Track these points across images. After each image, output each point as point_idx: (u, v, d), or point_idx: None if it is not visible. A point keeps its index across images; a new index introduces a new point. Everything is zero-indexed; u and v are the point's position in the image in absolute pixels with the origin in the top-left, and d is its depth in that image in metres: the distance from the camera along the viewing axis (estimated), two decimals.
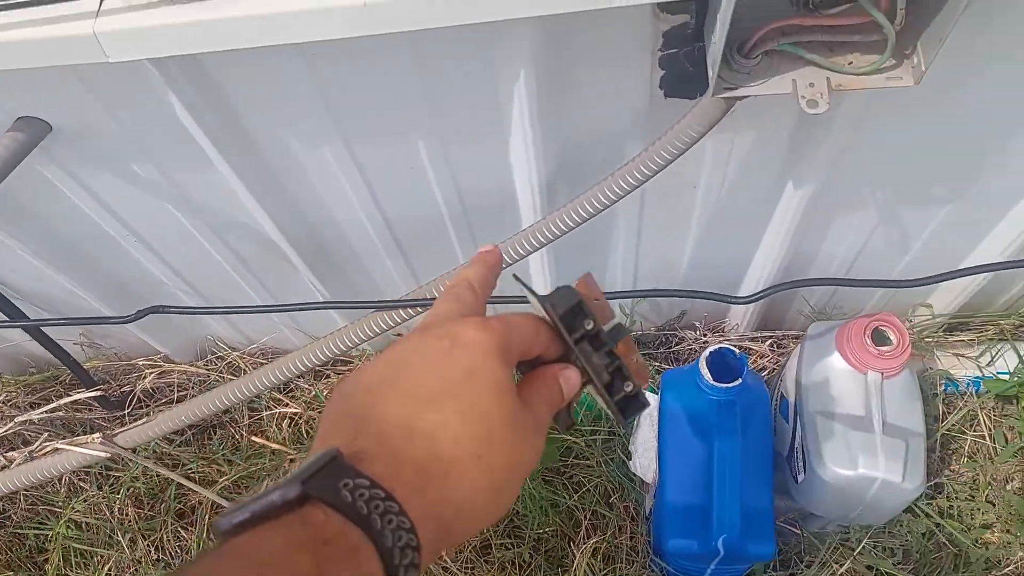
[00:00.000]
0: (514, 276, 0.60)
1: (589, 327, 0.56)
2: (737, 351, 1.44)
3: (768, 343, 1.92)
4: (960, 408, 1.79)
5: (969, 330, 1.91)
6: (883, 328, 1.45)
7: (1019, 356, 1.78)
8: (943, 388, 1.85)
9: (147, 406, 1.97)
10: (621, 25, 0.91)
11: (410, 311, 1.22)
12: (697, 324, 1.91)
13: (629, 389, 0.58)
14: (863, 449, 1.38)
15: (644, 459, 1.62)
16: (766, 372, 1.92)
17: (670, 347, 1.94)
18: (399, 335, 0.70)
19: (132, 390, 1.96)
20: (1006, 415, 1.80)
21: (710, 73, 0.90)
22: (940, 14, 0.81)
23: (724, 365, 1.45)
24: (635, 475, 1.68)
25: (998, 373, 1.82)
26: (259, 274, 1.53)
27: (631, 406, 0.59)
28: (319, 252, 1.41)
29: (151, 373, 1.95)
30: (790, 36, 0.90)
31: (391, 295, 1.43)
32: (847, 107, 1.04)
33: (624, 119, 1.11)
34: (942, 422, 1.78)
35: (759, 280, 1.57)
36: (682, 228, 1.43)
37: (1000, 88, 1.05)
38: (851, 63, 0.91)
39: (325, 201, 1.25)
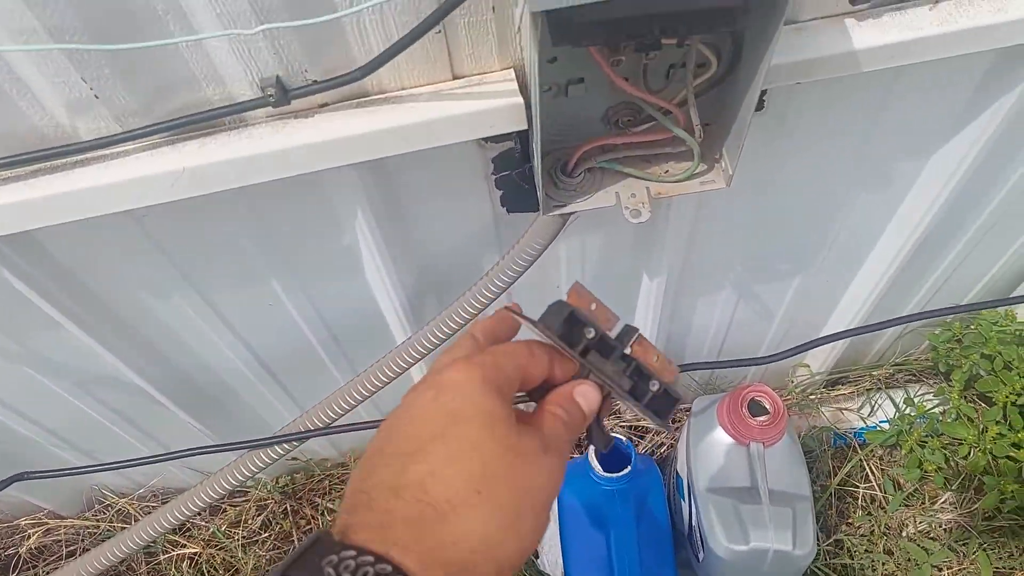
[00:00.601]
0: (504, 307, 0.58)
1: (591, 336, 0.53)
2: (624, 439, 1.47)
3: None
4: (849, 461, 1.85)
5: (848, 383, 2.00)
6: (758, 398, 1.50)
7: (894, 405, 1.87)
8: (832, 443, 1.91)
9: (35, 568, 1.86)
10: (449, 159, 0.94)
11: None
12: None
13: (656, 388, 0.55)
14: (753, 522, 1.41)
15: (551, 556, 1.62)
16: (664, 447, 1.95)
17: None
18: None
19: (17, 552, 1.86)
20: (892, 463, 1.87)
21: (539, 194, 0.94)
22: (734, 127, 0.87)
23: (613, 454, 1.48)
24: (544, 572, 1.67)
25: (880, 422, 1.90)
26: (137, 422, 1.49)
27: (663, 405, 0.55)
28: (194, 394, 1.38)
29: (35, 532, 1.85)
30: (608, 154, 0.96)
31: (275, 424, 1.41)
32: (678, 206, 1.10)
33: (474, 237, 1.14)
34: (834, 477, 1.83)
35: None
36: None
37: (806, 175, 1.13)
38: (667, 171, 0.97)
39: (190, 345, 1.24)
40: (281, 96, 0.76)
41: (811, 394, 1.97)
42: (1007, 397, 1.66)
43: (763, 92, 0.93)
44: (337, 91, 0.79)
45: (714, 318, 1.56)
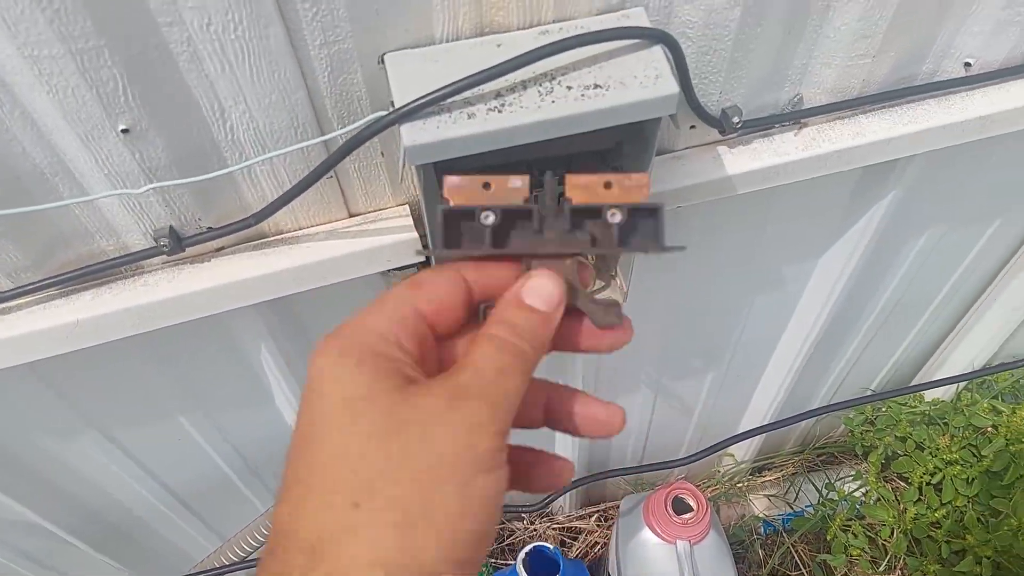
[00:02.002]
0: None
1: (492, 219, 0.38)
2: (551, 546, 1.46)
3: (595, 518, 1.96)
4: (779, 549, 1.87)
5: (773, 469, 2.03)
6: (682, 495, 1.52)
7: (817, 490, 1.91)
8: (762, 531, 1.93)
9: None
10: (355, 289, 0.96)
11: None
12: (524, 515, 1.92)
13: (619, 219, 0.39)
14: None
15: None
16: (598, 547, 1.94)
17: (501, 541, 1.93)
18: None
19: None
20: (820, 548, 1.89)
21: None
22: (619, 255, 0.91)
23: (543, 561, 1.47)
24: None
25: (806, 507, 1.93)
26: (48, 563, 1.43)
27: (647, 228, 0.40)
28: (108, 532, 1.33)
29: None
30: None
31: (197, 555, 1.37)
32: None
33: None
34: (764, 567, 1.84)
35: None
36: None
37: (703, 284, 1.18)
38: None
39: (100, 485, 1.20)
40: (175, 245, 0.77)
41: (738, 482, 2.00)
42: (922, 477, 1.71)
43: None
44: (233, 236, 0.80)
45: (634, 419, 1.59)
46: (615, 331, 0.42)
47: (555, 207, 0.40)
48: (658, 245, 0.40)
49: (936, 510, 1.68)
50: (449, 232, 0.39)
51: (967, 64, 0.90)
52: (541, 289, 0.39)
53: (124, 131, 0.65)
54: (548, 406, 0.43)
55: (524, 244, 0.40)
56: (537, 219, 0.40)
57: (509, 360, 0.37)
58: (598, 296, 0.43)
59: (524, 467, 0.42)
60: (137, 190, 0.69)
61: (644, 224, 0.41)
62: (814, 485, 1.92)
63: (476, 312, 0.41)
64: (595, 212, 0.40)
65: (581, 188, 0.40)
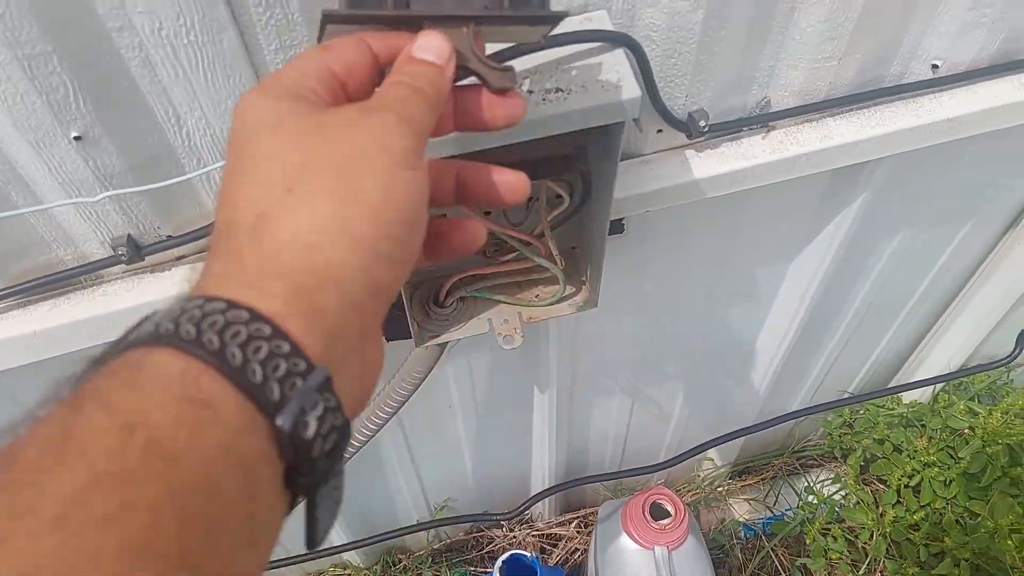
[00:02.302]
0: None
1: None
2: (530, 554, 1.46)
3: (574, 524, 1.95)
4: (759, 553, 1.86)
5: (753, 473, 2.03)
6: (660, 501, 1.51)
7: (796, 494, 1.90)
8: (742, 535, 1.93)
9: None
10: None
11: None
12: (503, 523, 1.91)
13: None
14: None
15: None
16: (578, 554, 1.93)
17: (481, 549, 1.92)
18: None
19: None
20: (800, 552, 1.89)
21: (411, 327, 0.95)
22: (592, 254, 0.90)
23: (520, 569, 1.46)
24: None
25: (785, 511, 1.93)
26: None
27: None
28: None
29: None
30: (478, 283, 0.98)
31: None
32: (556, 323, 1.13)
33: None
34: (743, 572, 1.84)
35: (544, 475, 1.61)
36: (453, 445, 1.46)
37: (676, 288, 1.18)
38: (537, 296, 0.99)
39: None
40: (134, 254, 0.76)
41: (718, 486, 2.00)
42: (900, 479, 1.71)
43: (621, 217, 0.97)
44: (194, 243, 0.79)
45: (612, 424, 1.58)
46: (509, 98, 0.45)
47: None
48: (544, 12, 0.46)
49: (915, 512, 1.68)
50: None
51: (934, 66, 0.90)
52: (431, 44, 0.43)
53: (76, 138, 0.64)
54: (460, 178, 0.46)
55: (422, 6, 0.43)
56: None
57: (409, 93, 0.40)
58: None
59: (437, 233, 0.45)
60: (92, 199, 0.68)
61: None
62: (794, 489, 1.92)
63: (382, 77, 0.43)
64: None
65: None
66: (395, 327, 1.09)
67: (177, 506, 0.26)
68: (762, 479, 2.01)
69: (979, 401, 1.77)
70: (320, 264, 0.34)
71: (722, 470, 1.96)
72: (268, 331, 0.31)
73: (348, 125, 0.37)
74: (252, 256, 0.34)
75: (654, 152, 0.89)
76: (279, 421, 0.30)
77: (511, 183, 0.46)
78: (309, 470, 0.32)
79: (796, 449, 2.00)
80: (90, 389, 0.29)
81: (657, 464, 1.41)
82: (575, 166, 0.79)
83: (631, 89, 0.64)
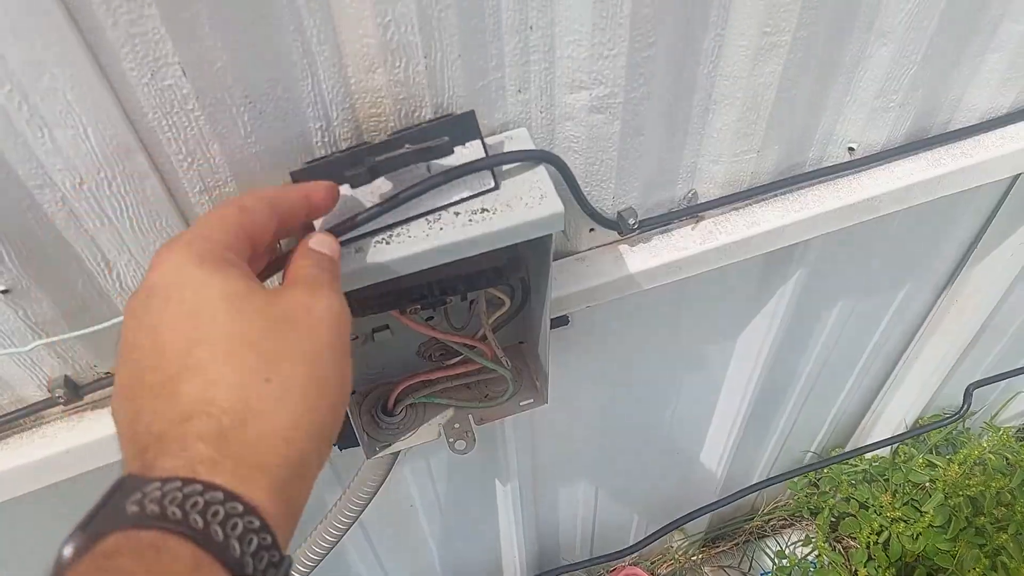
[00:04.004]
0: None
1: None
2: None
3: None
4: None
5: (726, 539, 2.03)
6: None
7: (769, 557, 1.90)
8: None
9: None
10: None
11: None
12: None
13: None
14: None
15: None
16: None
17: None
18: None
19: None
20: None
21: (360, 438, 0.95)
22: (538, 351, 0.91)
23: None
24: None
25: (761, 574, 1.92)
26: None
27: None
28: None
29: None
30: (426, 388, 0.98)
31: None
32: (511, 418, 1.13)
33: None
34: None
35: (515, 565, 1.59)
36: (419, 542, 1.43)
37: (627, 372, 1.19)
38: (487, 395, 0.99)
39: None
40: (72, 394, 0.75)
41: (692, 556, 1.98)
42: (869, 536, 1.72)
43: (565, 313, 0.99)
44: None
45: (579, 507, 1.57)
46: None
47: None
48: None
49: (886, 569, 1.68)
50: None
51: (851, 149, 0.94)
52: (323, 241, 0.52)
53: (4, 291, 0.64)
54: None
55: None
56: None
57: (320, 272, 0.48)
58: None
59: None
60: (24, 348, 0.67)
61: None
62: (766, 552, 1.91)
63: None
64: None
65: None
66: (347, 435, 1.08)
67: None
68: (735, 544, 2.00)
69: (937, 452, 1.79)
70: (295, 459, 0.39)
71: (694, 539, 1.95)
72: (257, 524, 0.35)
73: (305, 314, 0.43)
74: (237, 443, 0.37)
75: (589, 249, 0.91)
76: None
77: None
78: None
79: (765, 512, 2.00)
80: (117, 568, 0.32)
81: (627, 548, 1.40)
82: (511, 275, 0.80)
83: (554, 205, 0.66)
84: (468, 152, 0.63)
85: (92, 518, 0.34)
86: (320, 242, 0.51)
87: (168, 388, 0.39)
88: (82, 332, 0.67)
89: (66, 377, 0.75)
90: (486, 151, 0.64)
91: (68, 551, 0.33)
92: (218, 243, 0.43)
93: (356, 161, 0.58)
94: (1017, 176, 1.14)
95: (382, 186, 0.63)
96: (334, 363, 0.43)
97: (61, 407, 0.77)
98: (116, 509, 0.34)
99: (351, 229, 0.60)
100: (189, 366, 0.39)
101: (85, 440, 0.77)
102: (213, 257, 0.42)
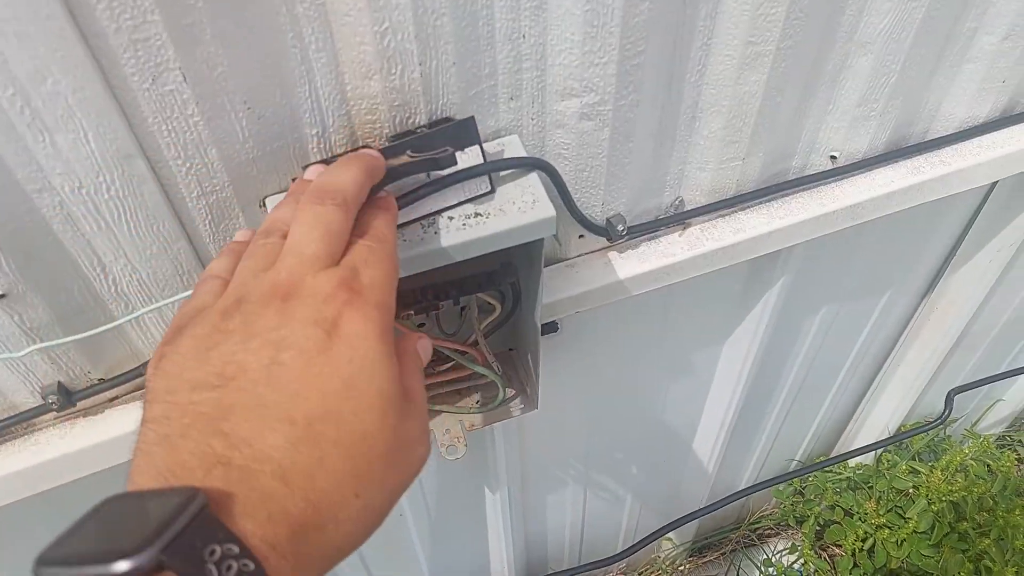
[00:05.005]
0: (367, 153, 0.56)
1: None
2: None
3: None
4: None
5: (712, 548, 2.03)
6: None
7: (756, 566, 1.91)
8: None
9: None
10: None
11: None
12: None
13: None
14: None
15: None
16: None
17: None
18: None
19: None
20: None
21: None
22: (529, 356, 0.92)
23: None
24: None
25: None
26: None
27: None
28: None
29: None
30: None
31: None
32: (501, 424, 1.14)
33: None
34: None
35: (504, 572, 1.59)
36: (407, 552, 1.43)
37: (616, 378, 1.20)
38: (478, 402, 1.00)
39: None
40: (65, 400, 0.75)
41: (680, 565, 1.99)
42: (854, 543, 1.73)
43: (554, 319, 1.00)
44: (128, 384, 0.78)
45: (567, 514, 1.57)
46: None
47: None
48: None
49: (872, 575, 1.69)
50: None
51: (832, 157, 0.96)
52: (428, 347, 0.50)
53: (1, 296, 0.64)
54: None
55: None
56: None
57: (420, 383, 0.45)
58: None
59: None
60: (18, 353, 0.67)
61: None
62: (753, 561, 1.92)
63: None
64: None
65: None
66: None
67: None
68: (722, 554, 2.01)
69: (920, 459, 1.81)
70: (330, 562, 0.37)
71: (681, 549, 1.96)
72: None
73: (411, 450, 0.41)
74: (309, 544, 0.35)
75: (578, 255, 0.92)
76: None
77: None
78: None
79: (752, 521, 2.01)
80: None
81: (615, 555, 1.41)
82: (503, 279, 0.81)
83: (546, 209, 0.67)
84: (467, 158, 0.64)
85: (174, 540, 0.30)
86: (424, 348, 0.49)
87: (283, 430, 0.36)
88: (77, 337, 0.68)
89: (59, 383, 0.75)
90: (484, 156, 0.65)
91: (124, 567, 0.29)
92: (391, 313, 0.42)
93: None
94: (995, 184, 1.17)
95: None
96: (394, 503, 0.41)
97: (54, 414, 0.77)
98: (196, 550, 0.31)
99: None
100: (319, 432, 0.37)
101: (78, 447, 0.77)
102: (389, 337, 0.41)
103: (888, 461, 1.81)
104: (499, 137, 0.73)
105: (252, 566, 0.32)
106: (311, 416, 0.36)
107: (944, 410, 1.47)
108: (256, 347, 0.38)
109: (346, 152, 0.65)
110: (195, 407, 0.37)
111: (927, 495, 1.67)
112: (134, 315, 0.70)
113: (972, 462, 1.74)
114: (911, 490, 1.73)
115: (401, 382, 0.41)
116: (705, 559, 2.01)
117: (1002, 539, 1.61)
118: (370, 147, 0.62)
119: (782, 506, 1.90)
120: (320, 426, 0.36)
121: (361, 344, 0.39)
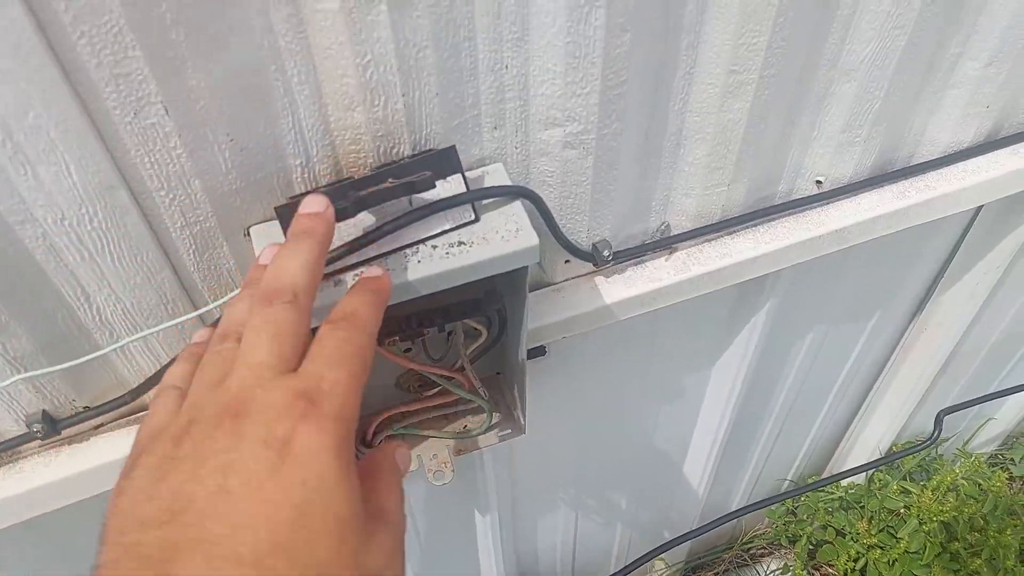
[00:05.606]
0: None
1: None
2: None
3: None
4: None
5: (705, 568, 2.03)
6: None
7: None
8: None
9: None
10: None
11: None
12: None
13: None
14: None
15: None
16: None
17: None
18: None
19: None
20: None
21: None
22: (515, 381, 0.92)
23: None
24: None
25: None
26: None
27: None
28: None
29: None
30: (405, 419, 0.98)
31: None
32: (490, 449, 1.13)
33: None
34: None
35: None
36: None
37: (604, 401, 1.20)
38: (466, 426, 1.00)
39: None
40: (49, 429, 0.75)
41: None
42: (846, 564, 1.73)
43: (542, 343, 1.00)
44: (112, 412, 0.78)
45: (558, 538, 1.57)
46: None
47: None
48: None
49: None
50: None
51: (818, 182, 0.97)
52: (405, 458, 0.49)
53: None
54: None
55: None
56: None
57: (396, 499, 0.46)
58: None
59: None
60: (3, 383, 0.67)
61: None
62: None
63: None
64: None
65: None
66: None
67: None
68: (715, 574, 2.00)
69: (911, 479, 1.81)
70: None
71: (674, 569, 1.95)
72: None
73: (381, 556, 0.40)
74: None
75: (564, 280, 0.92)
76: None
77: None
78: None
79: (744, 540, 2.01)
80: None
81: None
82: (489, 307, 0.81)
83: (529, 238, 0.67)
84: (450, 186, 0.65)
85: None
86: (402, 457, 0.49)
87: (229, 569, 0.33)
88: (62, 367, 0.68)
89: (44, 411, 0.75)
90: (467, 185, 0.65)
91: None
92: (353, 422, 0.39)
93: (342, 195, 0.59)
94: (980, 208, 1.17)
95: (365, 220, 0.64)
96: None
97: (39, 442, 0.77)
98: None
99: (332, 262, 0.61)
100: (269, 567, 0.33)
101: (63, 475, 0.77)
102: (347, 452, 0.38)
103: (880, 481, 1.81)
104: (484, 165, 0.73)
105: None
106: (260, 551, 0.33)
107: (934, 431, 1.47)
108: (204, 474, 0.35)
109: (330, 182, 0.66)
110: (141, 549, 0.33)
111: (918, 515, 1.67)
112: (119, 344, 0.70)
113: (963, 481, 1.74)
114: (902, 510, 1.73)
115: (371, 500, 0.39)
116: None
117: (994, 559, 1.61)
118: (320, 189, 0.62)
119: (774, 526, 1.90)
120: (271, 560, 0.33)
121: (314, 463, 0.36)
